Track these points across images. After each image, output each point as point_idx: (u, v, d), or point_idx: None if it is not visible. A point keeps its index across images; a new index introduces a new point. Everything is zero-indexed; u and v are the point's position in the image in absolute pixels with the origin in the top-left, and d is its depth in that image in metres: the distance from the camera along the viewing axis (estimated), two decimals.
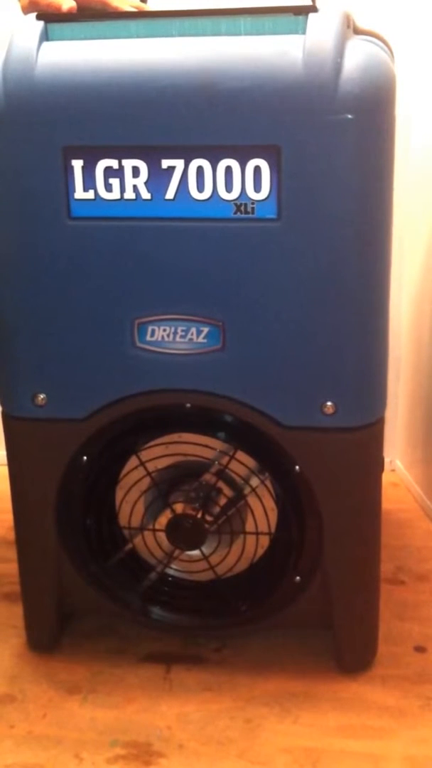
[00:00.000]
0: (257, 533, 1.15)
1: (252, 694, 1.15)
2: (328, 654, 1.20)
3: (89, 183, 1.01)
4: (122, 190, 1.01)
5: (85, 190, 1.01)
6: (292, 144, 0.96)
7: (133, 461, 1.14)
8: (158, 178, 0.99)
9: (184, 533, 1.14)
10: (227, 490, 1.14)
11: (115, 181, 1.00)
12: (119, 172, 1.00)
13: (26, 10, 1.11)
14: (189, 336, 1.05)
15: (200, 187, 0.99)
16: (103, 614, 1.25)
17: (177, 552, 1.17)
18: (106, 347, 1.06)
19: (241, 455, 1.11)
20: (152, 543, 1.17)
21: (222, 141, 0.97)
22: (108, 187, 1.01)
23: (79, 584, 1.20)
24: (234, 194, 0.99)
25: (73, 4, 1.08)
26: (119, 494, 1.17)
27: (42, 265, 1.04)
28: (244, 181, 0.98)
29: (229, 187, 0.99)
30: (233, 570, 1.17)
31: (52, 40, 1.02)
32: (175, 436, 1.12)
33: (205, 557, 1.16)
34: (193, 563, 1.18)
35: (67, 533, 1.18)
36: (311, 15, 0.98)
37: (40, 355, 1.08)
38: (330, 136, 0.95)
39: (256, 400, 1.06)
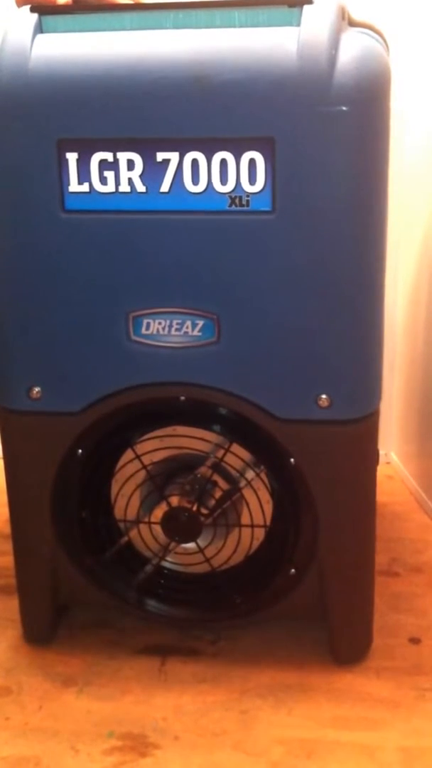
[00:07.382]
0: (252, 526, 1.15)
1: (247, 686, 1.16)
2: (323, 646, 1.21)
3: (84, 176, 1.00)
4: (117, 183, 1.00)
5: (80, 182, 1.01)
6: (286, 136, 0.96)
7: (128, 454, 1.14)
8: (153, 171, 0.99)
9: (179, 526, 1.15)
10: (223, 483, 1.15)
11: (110, 174, 1.00)
12: (114, 165, 1.00)
13: (20, 3, 1.10)
14: (184, 329, 1.05)
15: (195, 180, 0.99)
16: (99, 607, 1.25)
17: (173, 545, 1.17)
18: (101, 340, 1.06)
19: (236, 448, 1.12)
20: (148, 536, 1.18)
21: (217, 133, 0.97)
22: (103, 180, 1.01)
23: (75, 577, 1.20)
24: (229, 187, 0.99)
25: None
26: (115, 487, 1.17)
27: (36, 258, 1.04)
28: (239, 174, 0.98)
29: (223, 180, 0.99)
30: (229, 562, 1.17)
31: (46, 32, 1.02)
32: (170, 429, 1.12)
33: (201, 550, 1.16)
34: (188, 556, 1.18)
35: (63, 526, 1.18)
36: (306, 7, 0.97)
37: (34, 348, 1.08)
38: (325, 127, 0.95)
39: (251, 393, 1.07)
